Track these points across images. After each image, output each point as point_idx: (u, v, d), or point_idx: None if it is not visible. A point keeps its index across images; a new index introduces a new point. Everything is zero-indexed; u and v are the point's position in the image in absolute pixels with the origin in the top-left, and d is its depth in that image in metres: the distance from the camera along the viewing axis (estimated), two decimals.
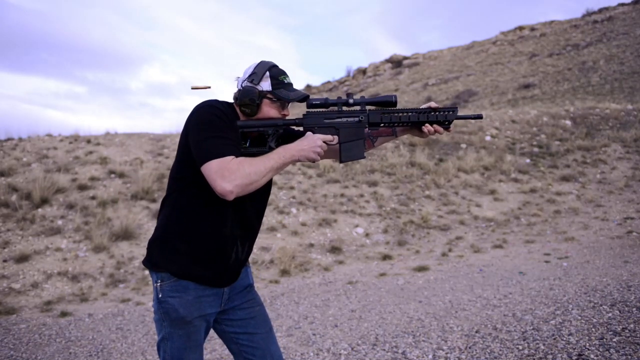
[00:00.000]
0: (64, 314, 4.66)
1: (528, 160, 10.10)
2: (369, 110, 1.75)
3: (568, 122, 12.12)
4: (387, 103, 1.74)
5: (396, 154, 9.72)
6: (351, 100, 1.71)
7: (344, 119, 1.73)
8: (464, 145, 10.57)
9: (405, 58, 39.11)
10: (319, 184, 8.39)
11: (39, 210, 6.71)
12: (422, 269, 5.75)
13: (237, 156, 1.56)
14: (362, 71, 40.53)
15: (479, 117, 1.86)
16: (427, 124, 1.76)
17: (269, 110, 1.68)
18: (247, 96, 1.64)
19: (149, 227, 6.65)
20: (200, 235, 1.66)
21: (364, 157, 1.74)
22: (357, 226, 7.30)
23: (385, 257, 6.37)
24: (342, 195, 8.11)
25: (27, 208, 6.72)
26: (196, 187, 1.64)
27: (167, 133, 10.37)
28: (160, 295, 1.66)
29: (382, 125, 1.75)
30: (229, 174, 1.50)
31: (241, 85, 1.68)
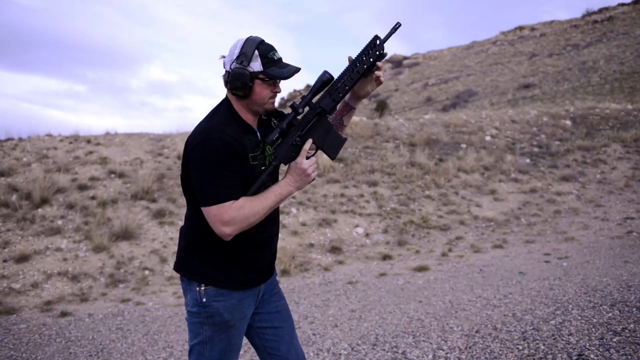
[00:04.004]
0: (64, 314, 4.66)
1: (528, 160, 10.10)
2: (317, 100, 1.72)
3: (568, 122, 12.13)
4: (325, 82, 1.70)
5: (396, 154, 9.72)
6: (300, 110, 1.69)
7: (306, 127, 1.71)
8: (464, 145, 10.58)
9: (405, 58, 39.09)
10: (319, 184, 8.39)
11: (39, 210, 6.71)
12: (422, 269, 5.75)
13: (237, 196, 1.57)
14: None
15: (398, 25, 1.74)
16: (371, 72, 1.73)
17: (261, 90, 1.64)
18: (239, 80, 1.59)
19: (149, 227, 6.65)
20: (243, 240, 1.66)
21: (346, 139, 1.77)
22: (357, 226, 7.30)
23: (385, 257, 6.37)
24: (342, 195, 8.11)
25: (27, 208, 6.72)
26: None
27: (167, 133, 10.37)
28: (204, 300, 1.65)
29: (335, 103, 1.73)
30: (228, 219, 1.54)
31: (230, 68, 1.61)
